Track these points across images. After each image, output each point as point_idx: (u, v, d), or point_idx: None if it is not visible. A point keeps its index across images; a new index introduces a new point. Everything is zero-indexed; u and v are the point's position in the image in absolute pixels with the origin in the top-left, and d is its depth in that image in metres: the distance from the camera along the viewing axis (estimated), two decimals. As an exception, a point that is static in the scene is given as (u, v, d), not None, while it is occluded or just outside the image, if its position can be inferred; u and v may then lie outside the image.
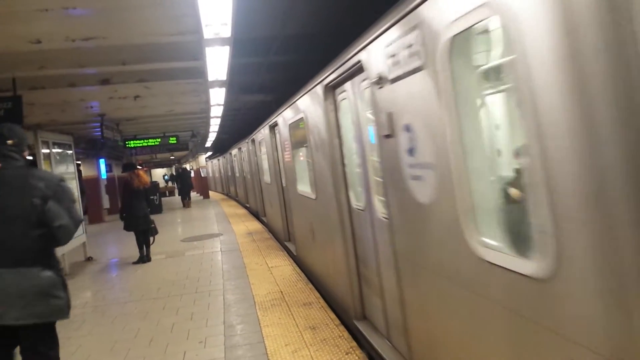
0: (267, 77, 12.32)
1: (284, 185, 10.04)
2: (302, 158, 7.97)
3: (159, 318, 6.37)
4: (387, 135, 3.57)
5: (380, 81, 3.56)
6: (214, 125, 17.42)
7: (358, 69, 4.28)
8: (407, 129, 3.23)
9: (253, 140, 14.62)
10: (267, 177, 12.47)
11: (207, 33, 5.39)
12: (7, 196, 3.46)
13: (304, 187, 7.52)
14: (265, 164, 12.64)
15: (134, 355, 5.20)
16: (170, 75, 7.79)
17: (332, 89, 5.34)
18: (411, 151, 3.22)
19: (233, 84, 9.92)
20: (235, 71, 8.36)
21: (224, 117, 15.60)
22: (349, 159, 5.28)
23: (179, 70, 7.64)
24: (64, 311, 3.63)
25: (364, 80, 4.27)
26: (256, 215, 16.85)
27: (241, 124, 21.07)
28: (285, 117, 8.34)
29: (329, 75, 5.14)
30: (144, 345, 5.46)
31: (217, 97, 10.36)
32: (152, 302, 7.14)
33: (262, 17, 7.95)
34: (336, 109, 5.38)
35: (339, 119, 5.36)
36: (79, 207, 11.03)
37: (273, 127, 10.25)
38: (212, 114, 13.33)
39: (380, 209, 4.37)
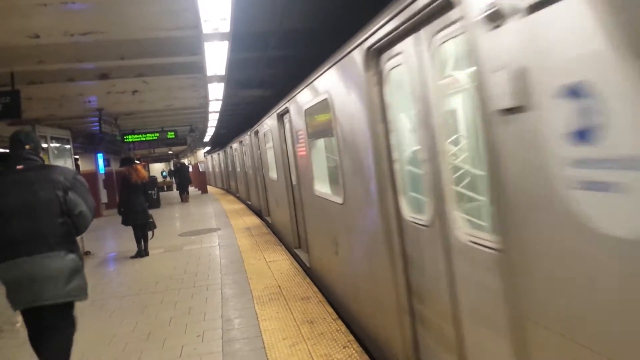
0: (266, 72, 12.29)
1: (294, 183, 8.73)
2: (322, 152, 6.75)
3: (156, 312, 6.40)
4: (512, 109, 2.10)
5: (497, 16, 2.11)
6: (213, 120, 17.43)
7: (435, 11, 2.84)
8: (576, 93, 1.74)
9: (256, 132, 13.41)
10: (273, 174, 11.07)
11: (206, 28, 5.40)
12: (35, 192, 3.99)
13: (325, 188, 6.36)
14: (271, 159, 11.21)
15: (131, 349, 5.23)
16: (168, 70, 7.80)
17: (376, 53, 3.83)
18: (584, 135, 1.74)
19: (232, 79, 9.92)
20: (234, 66, 8.36)
21: (223, 112, 15.60)
22: (400, 153, 3.85)
23: (178, 65, 7.65)
24: (85, 291, 4.26)
25: (443, 28, 2.84)
26: (259, 214, 15.82)
27: (240, 119, 21.04)
28: (300, 101, 6.87)
29: (375, 33, 3.63)
30: (141, 339, 5.48)
31: (216, 92, 10.37)
32: (150, 296, 7.16)
33: (260, 12, 7.94)
34: (381, 82, 3.87)
35: (386, 96, 3.86)
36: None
37: (282, 116, 9.03)
38: (210, 109, 13.34)
39: (464, 229, 2.92)
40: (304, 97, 6.59)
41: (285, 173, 9.24)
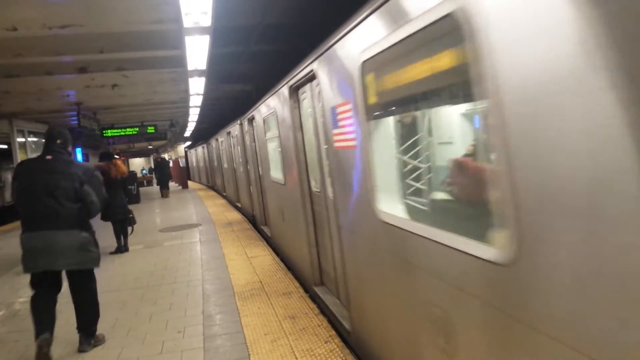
0: (246, 67, 12.24)
1: (315, 190, 6.18)
2: (411, 140, 4.02)
3: (137, 308, 6.35)
4: None
5: None
6: (193, 115, 17.33)
7: None
8: None
9: (251, 120, 10.87)
10: (276, 173, 8.47)
11: (187, 22, 5.36)
12: (58, 180, 4.85)
13: (411, 213, 3.58)
14: (273, 153, 8.75)
15: (111, 346, 5.18)
16: (149, 64, 7.72)
17: None
18: None
19: (213, 73, 9.87)
20: (214, 60, 8.31)
21: (203, 107, 15.51)
22: None
23: (158, 59, 7.58)
24: (96, 261, 5.15)
25: None
26: (252, 221, 13.13)
27: (221, 113, 20.93)
28: (351, 49, 3.84)
29: None
30: (121, 336, 5.44)
31: (197, 87, 10.30)
32: (130, 293, 7.10)
33: (242, 6, 7.89)
34: None
35: None
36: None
37: (297, 89, 6.24)
38: (191, 104, 13.26)
39: None
40: (366, 37, 3.48)
41: (301, 174, 6.48)
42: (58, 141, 5.09)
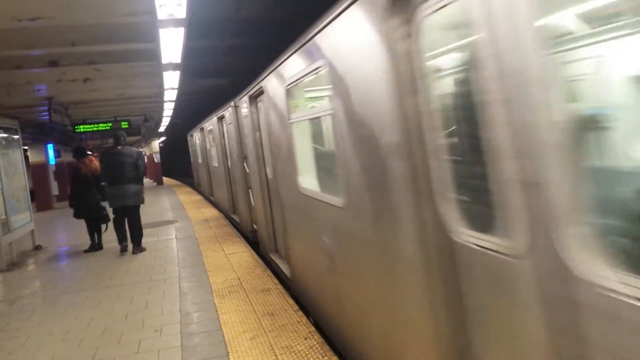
0: (222, 61, 12.12)
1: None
2: None
3: (112, 307, 6.23)
4: None
5: None
6: (168, 110, 17.14)
7: None
8: None
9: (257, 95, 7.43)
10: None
11: (161, 14, 5.26)
12: (125, 159, 9.07)
13: None
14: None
15: (87, 345, 5.07)
16: (122, 58, 7.59)
17: None
18: None
19: (188, 67, 9.73)
20: (190, 54, 8.19)
21: (178, 102, 15.33)
22: None
23: (132, 53, 7.45)
24: (143, 200, 9.39)
25: None
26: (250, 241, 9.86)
27: (196, 108, 20.71)
28: None
29: None
30: (97, 335, 5.33)
31: (171, 81, 10.16)
32: (105, 291, 6.97)
33: (217, -1, 7.80)
34: None
35: None
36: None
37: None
38: (165, 98, 13.10)
39: None
40: None
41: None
42: (121, 138, 9.34)
